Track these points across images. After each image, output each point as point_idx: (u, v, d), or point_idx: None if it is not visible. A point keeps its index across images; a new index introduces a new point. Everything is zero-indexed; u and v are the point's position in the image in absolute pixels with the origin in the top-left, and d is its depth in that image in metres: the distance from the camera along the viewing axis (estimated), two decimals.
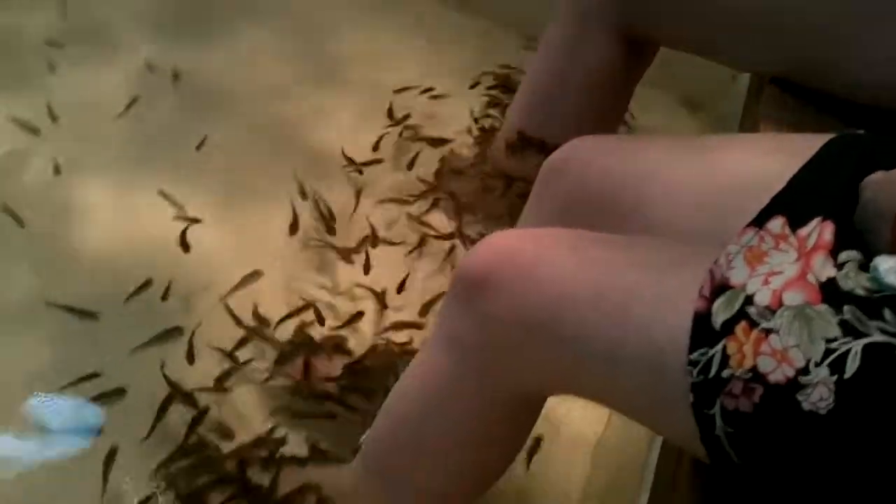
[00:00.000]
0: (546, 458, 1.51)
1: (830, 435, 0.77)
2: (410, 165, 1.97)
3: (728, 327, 0.81)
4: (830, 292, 0.78)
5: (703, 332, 0.82)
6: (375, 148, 2.01)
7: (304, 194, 1.88)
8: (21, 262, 1.68)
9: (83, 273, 1.68)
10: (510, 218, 1.58)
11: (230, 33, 2.23)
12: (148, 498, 1.36)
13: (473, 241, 1.77)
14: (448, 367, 1.07)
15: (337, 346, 1.58)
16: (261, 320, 1.63)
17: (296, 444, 1.45)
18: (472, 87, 2.18)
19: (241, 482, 1.34)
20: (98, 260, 1.71)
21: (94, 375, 1.51)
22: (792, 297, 0.79)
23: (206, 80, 2.11)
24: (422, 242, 1.83)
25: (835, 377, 0.76)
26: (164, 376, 1.52)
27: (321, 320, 1.64)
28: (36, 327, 1.58)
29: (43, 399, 1.48)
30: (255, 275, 1.71)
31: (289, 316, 1.63)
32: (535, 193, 1.25)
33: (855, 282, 0.78)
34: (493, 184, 1.83)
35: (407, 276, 1.75)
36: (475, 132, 2.04)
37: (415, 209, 1.89)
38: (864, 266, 0.79)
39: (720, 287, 0.83)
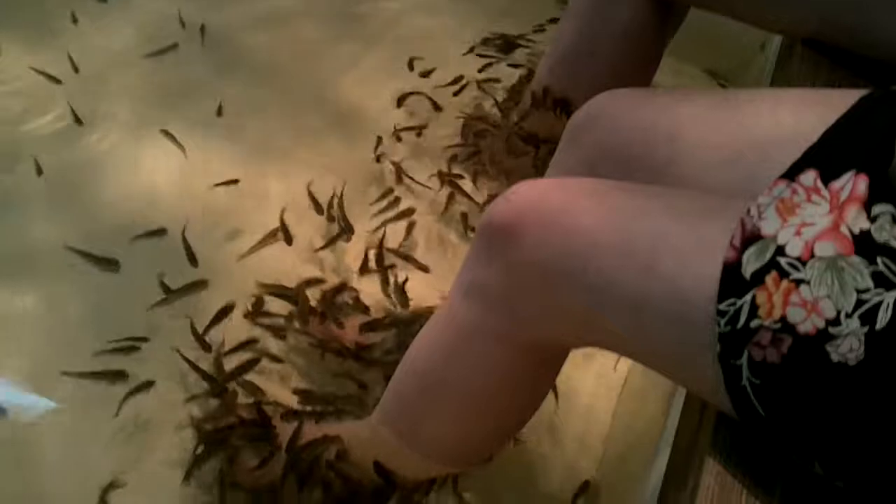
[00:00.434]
0: (565, 417, 1.51)
1: (859, 386, 0.76)
2: (437, 125, 1.96)
3: (758, 277, 0.80)
4: (864, 244, 0.77)
5: (733, 282, 0.81)
6: (399, 105, 1.99)
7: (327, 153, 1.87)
8: (41, 211, 1.69)
9: (103, 223, 1.68)
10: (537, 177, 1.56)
11: None
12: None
13: None
14: (472, 316, 1.07)
15: (357, 305, 1.57)
16: (281, 279, 1.63)
17: (314, 401, 1.45)
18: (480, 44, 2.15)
19: (264, 429, 1.33)
20: (117, 211, 1.71)
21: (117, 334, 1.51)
22: (824, 248, 0.78)
23: (232, 35, 2.10)
24: (449, 201, 1.81)
25: (865, 328, 0.75)
26: (194, 332, 1.52)
27: (341, 282, 1.63)
28: (56, 277, 1.58)
29: None
30: (277, 232, 1.70)
31: (309, 282, 1.62)
32: (562, 147, 1.24)
33: (889, 234, 0.77)
34: (519, 143, 1.81)
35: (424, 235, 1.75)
36: (503, 93, 2.02)
37: (442, 167, 1.88)
38: None
39: (751, 237, 0.82)
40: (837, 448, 0.80)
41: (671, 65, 1.82)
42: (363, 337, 1.49)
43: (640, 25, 1.61)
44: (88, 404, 1.43)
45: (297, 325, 1.55)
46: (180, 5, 2.13)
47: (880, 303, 0.75)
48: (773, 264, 0.80)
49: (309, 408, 1.43)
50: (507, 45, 2.18)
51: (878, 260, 0.76)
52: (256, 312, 1.57)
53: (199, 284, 1.61)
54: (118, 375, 1.46)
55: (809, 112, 0.95)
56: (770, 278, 0.79)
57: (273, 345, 1.54)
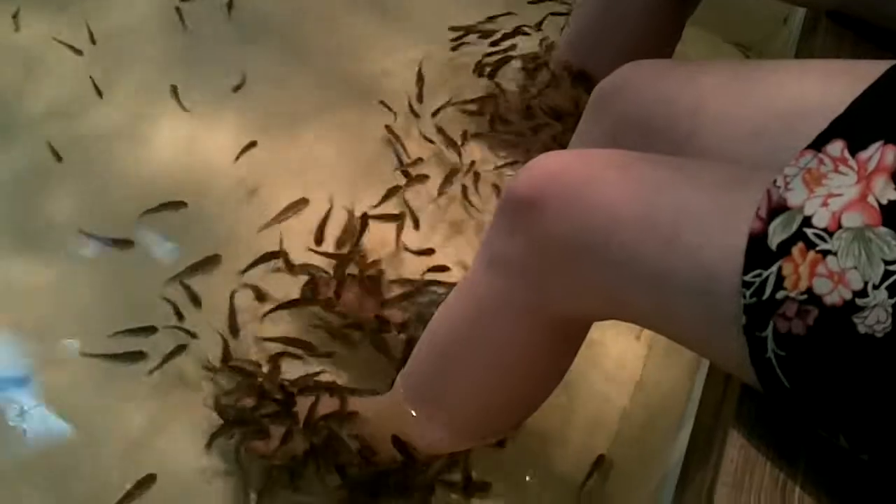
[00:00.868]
0: (586, 390, 1.51)
1: (886, 358, 0.75)
2: (459, 97, 1.94)
3: (784, 248, 0.79)
4: (891, 214, 0.77)
5: (758, 253, 0.81)
6: (420, 80, 1.97)
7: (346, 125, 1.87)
8: (57, 184, 1.68)
9: (120, 196, 1.68)
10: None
11: None
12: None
13: None
14: (494, 289, 1.06)
15: (377, 278, 1.57)
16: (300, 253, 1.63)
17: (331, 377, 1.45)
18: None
19: (285, 405, 1.34)
20: (135, 183, 1.71)
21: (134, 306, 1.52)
22: (851, 219, 0.78)
23: (256, 6, 2.08)
24: (475, 177, 1.80)
25: (893, 300, 0.75)
26: (231, 304, 1.53)
27: (358, 254, 1.63)
28: (74, 255, 1.59)
29: None
30: (301, 202, 1.70)
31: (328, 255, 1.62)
32: (585, 119, 1.23)
33: None
34: (541, 116, 1.80)
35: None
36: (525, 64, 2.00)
37: (463, 139, 1.87)
38: None
39: (777, 208, 0.81)
40: (863, 421, 0.79)
41: (695, 35, 1.80)
42: (384, 310, 1.49)
43: None
44: (107, 380, 1.45)
45: (312, 295, 1.55)
46: None
47: None
48: (799, 235, 0.79)
49: (327, 381, 1.42)
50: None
51: None
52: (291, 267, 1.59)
53: (213, 259, 1.60)
54: (137, 356, 1.47)
55: (836, 82, 0.94)
56: (797, 249, 0.79)
57: (294, 319, 1.54)
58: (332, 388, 1.38)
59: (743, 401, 0.92)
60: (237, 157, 1.77)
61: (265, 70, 1.95)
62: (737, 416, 0.91)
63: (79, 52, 1.91)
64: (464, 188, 1.77)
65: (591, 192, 0.94)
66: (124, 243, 1.61)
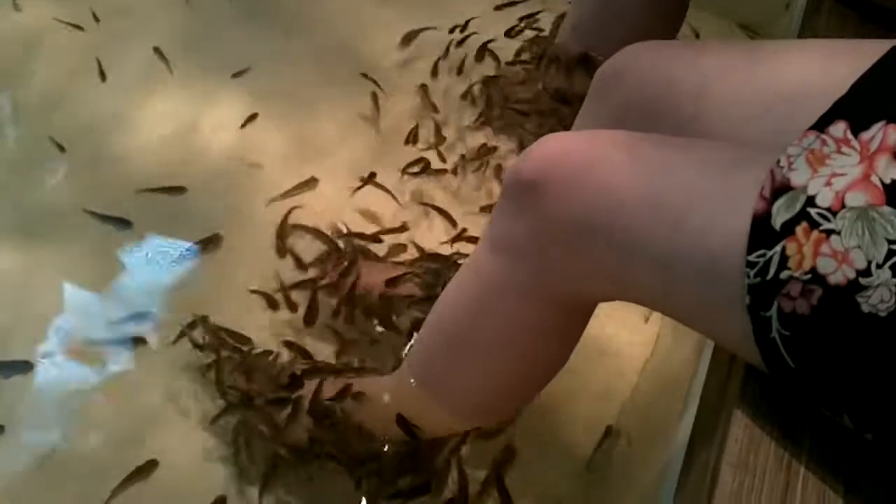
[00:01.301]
0: (591, 368, 1.51)
1: (890, 338, 0.75)
2: (463, 80, 1.95)
3: (788, 228, 0.79)
4: (894, 194, 0.77)
5: (762, 233, 0.81)
6: (434, 71, 1.97)
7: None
8: (60, 167, 1.69)
9: (123, 178, 1.69)
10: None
11: None
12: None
13: None
14: (498, 271, 1.06)
15: (384, 257, 1.58)
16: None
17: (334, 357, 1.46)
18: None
19: (289, 385, 1.34)
20: (139, 165, 1.71)
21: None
22: (855, 199, 0.78)
23: None
24: (476, 155, 1.81)
25: None
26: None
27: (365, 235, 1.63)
28: (74, 236, 1.59)
29: None
30: (310, 182, 1.71)
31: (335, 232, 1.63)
32: (588, 101, 1.23)
33: None
34: (545, 99, 1.80)
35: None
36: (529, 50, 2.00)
37: (468, 122, 1.87)
38: None
39: (781, 188, 0.81)
40: (867, 400, 0.80)
41: (699, 17, 1.79)
42: (389, 289, 1.49)
43: None
44: (108, 365, 1.46)
45: (326, 275, 1.55)
46: None
47: None
48: (803, 215, 0.79)
49: (331, 363, 1.43)
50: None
51: None
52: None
53: (215, 238, 1.61)
54: (138, 341, 1.47)
55: (839, 63, 0.93)
56: (800, 229, 0.79)
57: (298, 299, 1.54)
58: (337, 370, 1.39)
59: (748, 381, 0.92)
60: (243, 125, 1.78)
61: (269, 48, 1.96)
62: (741, 396, 0.91)
63: (81, 28, 1.90)
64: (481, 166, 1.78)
65: (595, 173, 0.94)
66: (124, 223, 1.61)
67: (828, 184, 0.79)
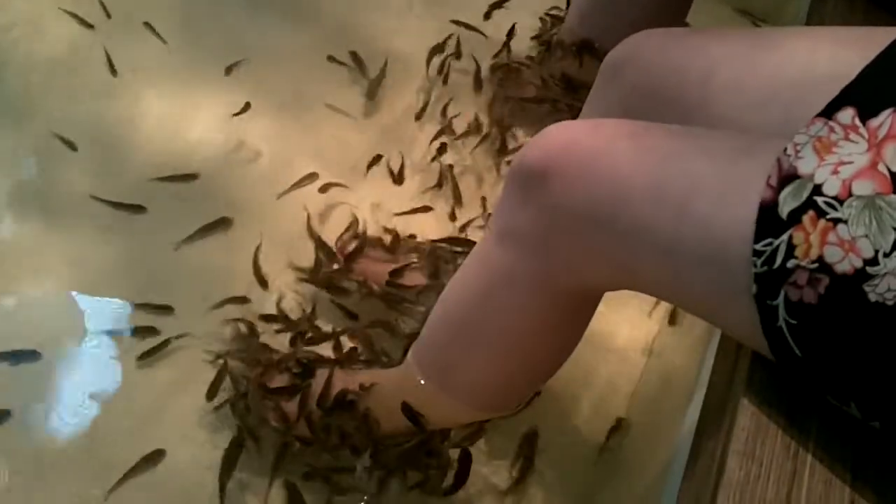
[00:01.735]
0: (598, 358, 1.52)
1: None
2: (470, 71, 1.94)
3: (795, 217, 0.79)
4: None
5: (769, 222, 0.81)
6: (433, 61, 1.96)
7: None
8: (72, 158, 1.68)
9: (134, 170, 1.69)
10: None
11: None
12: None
13: None
14: (505, 260, 1.06)
15: (390, 247, 1.57)
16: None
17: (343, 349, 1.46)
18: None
19: (299, 375, 1.34)
20: (149, 157, 1.71)
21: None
22: (862, 187, 0.77)
23: None
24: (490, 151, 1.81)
25: None
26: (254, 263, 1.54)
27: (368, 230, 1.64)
28: (86, 222, 1.59)
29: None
30: (311, 176, 1.71)
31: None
32: (595, 89, 1.23)
33: None
34: (552, 88, 1.80)
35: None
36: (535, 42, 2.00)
37: (476, 113, 1.87)
38: None
39: (788, 176, 0.81)
40: (874, 389, 0.79)
41: (706, 5, 1.78)
42: (395, 279, 1.49)
43: None
44: (118, 354, 1.45)
45: (333, 266, 1.55)
46: None
47: None
48: (810, 203, 0.79)
49: (339, 354, 1.43)
50: None
51: None
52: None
53: (225, 221, 1.62)
54: (148, 331, 1.47)
55: (847, 50, 0.93)
56: (807, 218, 0.79)
57: (304, 291, 1.55)
58: (345, 361, 1.39)
59: (754, 369, 0.92)
60: (236, 113, 1.78)
61: (275, 40, 1.95)
62: (748, 385, 0.91)
63: (90, 25, 1.90)
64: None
65: (601, 162, 0.94)
66: (136, 208, 1.61)
67: (835, 172, 0.79)
